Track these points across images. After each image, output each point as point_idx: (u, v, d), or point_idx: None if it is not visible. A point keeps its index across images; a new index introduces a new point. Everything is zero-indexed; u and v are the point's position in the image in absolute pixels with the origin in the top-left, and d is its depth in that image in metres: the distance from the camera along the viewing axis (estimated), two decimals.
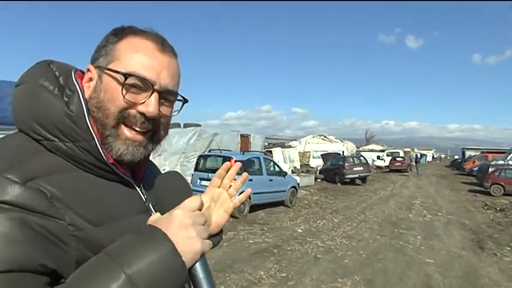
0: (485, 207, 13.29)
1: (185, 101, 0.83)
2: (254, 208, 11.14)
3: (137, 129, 0.75)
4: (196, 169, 11.40)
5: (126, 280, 0.55)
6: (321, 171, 24.82)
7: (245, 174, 0.97)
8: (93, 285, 0.55)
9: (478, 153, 38.13)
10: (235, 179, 0.96)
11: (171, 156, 14.08)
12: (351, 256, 6.52)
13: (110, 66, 0.74)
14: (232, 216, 10.26)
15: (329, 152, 28.81)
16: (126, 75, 0.72)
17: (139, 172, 0.84)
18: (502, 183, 17.54)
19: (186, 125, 15.24)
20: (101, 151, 0.71)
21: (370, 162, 38.67)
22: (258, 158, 11.89)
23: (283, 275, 5.42)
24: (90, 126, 0.71)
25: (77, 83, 0.75)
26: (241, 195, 0.99)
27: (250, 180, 10.82)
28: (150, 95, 0.74)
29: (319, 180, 23.11)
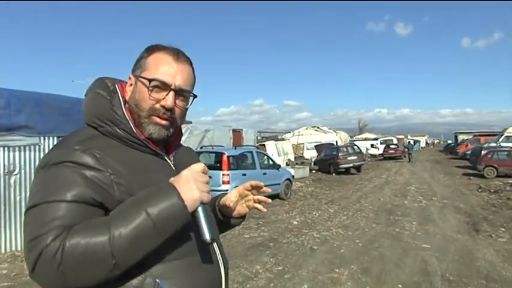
0: (480, 190, 13.36)
1: (195, 96, 1.12)
2: None
3: (162, 117, 1.04)
4: None
5: (145, 215, 0.85)
6: (315, 163, 24.82)
7: (265, 193, 1.31)
8: (125, 218, 0.85)
9: (470, 137, 38.31)
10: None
11: None
12: (347, 246, 6.48)
13: (142, 75, 1.04)
14: None
15: (322, 142, 28.75)
16: (150, 80, 1.02)
17: (171, 148, 1.15)
18: (495, 165, 17.65)
19: None
20: (135, 130, 1.02)
21: (364, 151, 38.94)
22: (251, 152, 11.82)
23: (280, 268, 5.36)
24: (125, 114, 1.03)
25: (118, 88, 1.09)
26: (259, 205, 1.29)
27: (244, 174, 10.77)
28: (168, 93, 1.04)
29: (313, 171, 23.11)
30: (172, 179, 0.96)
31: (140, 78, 1.04)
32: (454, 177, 18.34)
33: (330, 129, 36.86)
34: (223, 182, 10.16)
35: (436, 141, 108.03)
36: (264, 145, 22.95)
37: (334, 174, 21.08)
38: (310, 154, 28.77)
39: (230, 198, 1.24)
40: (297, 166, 21.68)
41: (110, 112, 1.02)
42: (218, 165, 10.43)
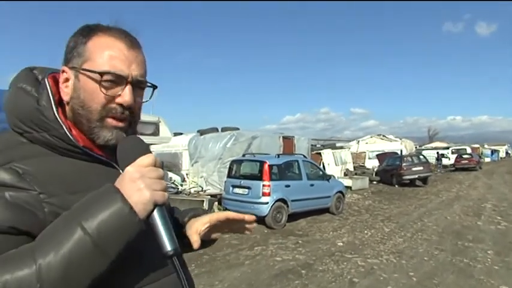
0: None
1: (154, 87, 0.92)
2: (294, 217, 10.05)
3: (118, 118, 0.85)
4: (229, 175, 10.49)
5: (80, 231, 0.65)
6: (376, 173, 23.17)
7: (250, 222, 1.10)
8: (53, 239, 0.65)
9: None
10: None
11: (208, 163, 13.38)
12: (396, 280, 5.20)
13: (85, 67, 0.83)
14: (268, 227, 9.41)
15: (385, 151, 26.74)
16: (102, 74, 0.82)
17: None
18: None
19: (223, 129, 14.46)
20: (71, 137, 0.80)
21: (432, 160, 35.91)
22: (297, 161, 10.73)
23: None
24: (57, 116, 0.81)
25: (48, 82, 0.85)
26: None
27: (288, 186, 9.75)
28: (125, 87, 0.84)
29: (374, 182, 21.51)
30: (116, 181, 0.75)
31: (83, 72, 0.83)
32: None
33: (396, 137, 34.91)
34: (264, 194, 9.23)
35: None
36: (319, 153, 21.73)
37: (396, 186, 19.32)
38: (372, 164, 26.99)
39: (197, 227, 1.04)
40: (355, 177, 20.23)
41: (36, 115, 0.80)
42: (259, 174, 9.54)
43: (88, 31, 0.85)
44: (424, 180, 19.83)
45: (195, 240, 1.01)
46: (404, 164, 19.54)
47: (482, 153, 45.34)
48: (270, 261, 6.28)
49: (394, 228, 8.94)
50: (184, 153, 14.75)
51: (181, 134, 16.13)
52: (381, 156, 25.14)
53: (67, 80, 0.85)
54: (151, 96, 0.93)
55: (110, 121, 0.85)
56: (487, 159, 48.44)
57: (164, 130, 12.51)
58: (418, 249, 6.89)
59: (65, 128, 0.80)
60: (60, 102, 0.86)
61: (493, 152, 51.67)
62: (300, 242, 7.65)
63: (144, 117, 11.54)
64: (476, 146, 51.72)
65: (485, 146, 62.72)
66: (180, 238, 0.90)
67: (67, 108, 0.86)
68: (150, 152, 0.81)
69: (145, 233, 0.73)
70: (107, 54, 0.83)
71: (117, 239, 0.68)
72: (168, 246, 0.73)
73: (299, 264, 6.01)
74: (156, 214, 0.73)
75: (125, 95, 0.84)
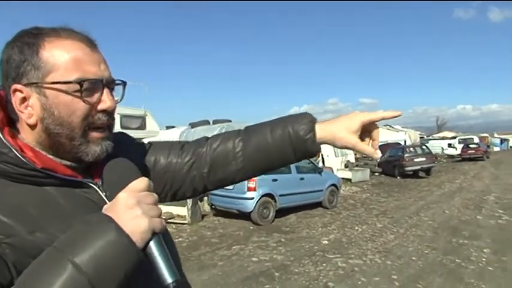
0: None
1: (124, 83, 0.84)
2: (284, 212, 9.59)
3: (101, 127, 0.77)
4: None
5: (73, 269, 0.55)
6: (379, 164, 22.57)
7: None
8: (42, 278, 0.56)
9: None
10: None
11: None
12: (376, 284, 4.70)
13: (50, 79, 0.72)
14: (254, 223, 8.96)
15: (388, 142, 26.07)
16: (81, 83, 0.72)
17: (97, 167, 0.79)
18: None
19: (215, 122, 13.99)
20: (23, 159, 0.69)
21: (439, 150, 34.98)
22: None
23: None
24: (2, 139, 0.70)
25: None
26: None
27: (275, 180, 9.26)
28: (102, 92, 0.76)
29: (376, 174, 20.98)
30: (105, 206, 0.67)
31: (50, 86, 0.71)
32: None
33: (403, 127, 34.18)
34: (249, 189, 8.78)
35: None
36: None
37: (399, 177, 18.82)
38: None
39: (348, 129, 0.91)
40: (355, 168, 19.72)
41: None
42: None
43: (34, 38, 0.73)
44: (428, 171, 19.27)
45: (374, 151, 0.95)
46: (406, 155, 19.01)
47: (490, 143, 44.32)
48: (245, 262, 5.81)
49: (387, 224, 8.42)
50: None
51: (173, 127, 15.76)
52: (383, 147, 24.48)
53: (24, 99, 0.73)
54: (123, 94, 0.85)
55: (95, 135, 0.77)
56: (496, 149, 47.42)
57: (151, 124, 12.09)
58: (408, 248, 6.37)
59: (14, 150, 0.69)
60: (8, 123, 0.75)
61: (503, 141, 50.54)
62: (282, 240, 7.17)
63: (130, 111, 11.19)
64: (485, 135, 50.62)
65: (495, 135, 61.54)
66: (307, 154, 0.96)
67: (33, 130, 0.74)
68: (141, 176, 0.72)
69: (142, 264, 0.64)
70: (71, 59, 0.73)
71: (115, 275, 0.58)
72: (169, 278, 0.65)
73: (274, 266, 5.54)
74: (152, 243, 0.65)
75: (106, 100, 0.77)
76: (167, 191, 0.98)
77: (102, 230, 0.59)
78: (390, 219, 8.92)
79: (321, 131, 0.93)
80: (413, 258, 5.78)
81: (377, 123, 0.95)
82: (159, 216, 0.67)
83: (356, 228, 8.14)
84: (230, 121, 14.06)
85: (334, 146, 0.95)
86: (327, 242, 6.96)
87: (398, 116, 0.95)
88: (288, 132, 0.94)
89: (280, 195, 9.25)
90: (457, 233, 7.28)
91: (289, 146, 0.94)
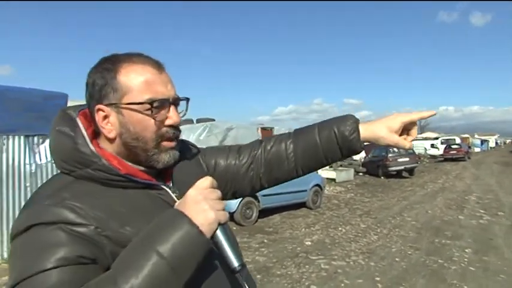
0: None
1: (187, 99, 0.94)
2: (268, 212, 9.47)
3: (171, 139, 0.89)
4: None
5: (156, 256, 0.68)
6: (363, 164, 22.72)
7: None
8: (132, 265, 0.67)
9: None
10: None
11: None
12: (360, 286, 4.62)
13: (126, 100, 0.83)
14: (237, 224, 8.81)
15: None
16: (152, 103, 0.83)
17: (167, 171, 0.92)
18: None
19: (198, 120, 13.81)
20: (111, 167, 0.81)
21: (422, 151, 35.40)
22: None
23: None
24: (93, 150, 0.82)
25: (79, 120, 0.86)
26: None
27: None
28: (169, 109, 0.87)
29: (361, 174, 21.07)
30: (177, 203, 0.80)
31: (126, 106, 0.84)
32: None
33: None
34: None
35: (508, 140, 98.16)
36: None
37: (382, 177, 18.91)
38: (360, 155, 26.53)
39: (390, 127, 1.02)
40: (340, 168, 19.70)
41: (75, 153, 0.81)
42: None
43: (112, 64, 0.85)
44: (411, 171, 19.44)
45: (411, 145, 1.05)
46: (390, 155, 19.08)
47: (471, 144, 45.20)
48: None
49: (371, 224, 8.38)
50: None
51: None
52: (367, 148, 24.65)
53: (106, 117, 0.85)
54: (186, 108, 0.95)
55: (165, 144, 0.88)
56: (477, 149, 48.40)
57: None
58: (391, 248, 6.33)
59: (103, 159, 0.81)
60: (95, 136, 0.88)
61: (483, 142, 51.69)
62: (265, 241, 7.06)
63: None
64: (466, 136, 51.60)
65: (476, 136, 62.78)
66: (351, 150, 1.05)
67: (112, 143, 0.87)
68: (207, 175, 0.83)
69: (211, 251, 0.76)
70: (143, 82, 0.83)
71: (190, 260, 0.71)
72: (235, 262, 0.77)
73: (256, 268, 5.42)
74: (219, 232, 0.76)
75: (173, 116, 0.87)
76: (228, 189, 1.09)
77: (178, 223, 0.72)
78: (374, 220, 8.90)
79: (364, 130, 1.03)
80: (397, 259, 5.73)
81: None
82: (223, 209, 0.78)
83: (340, 228, 8.08)
84: (214, 120, 13.93)
85: (377, 143, 1.04)
86: (310, 243, 6.88)
87: (434, 115, 1.08)
88: (334, 133, 1.04)
89: (263, 196, 9.11)
90: (440, 233, 7.28)
91: (336, 145, 1.04)
